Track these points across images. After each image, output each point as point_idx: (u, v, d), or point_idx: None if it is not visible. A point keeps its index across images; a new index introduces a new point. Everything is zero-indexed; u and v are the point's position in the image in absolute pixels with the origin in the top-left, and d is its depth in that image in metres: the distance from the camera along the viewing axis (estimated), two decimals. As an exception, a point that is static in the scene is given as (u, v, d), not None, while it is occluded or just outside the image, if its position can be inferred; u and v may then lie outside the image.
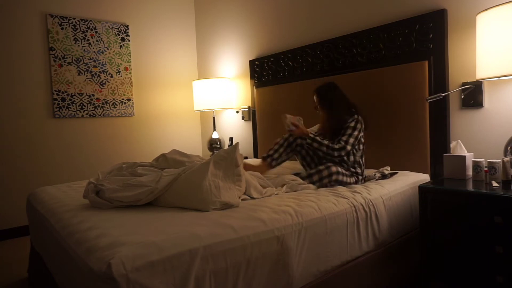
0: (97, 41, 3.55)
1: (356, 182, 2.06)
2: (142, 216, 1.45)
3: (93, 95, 3.53)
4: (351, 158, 2.10)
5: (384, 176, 2.15)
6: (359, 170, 2.10)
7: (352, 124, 2.08)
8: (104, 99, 3.60)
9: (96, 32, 3.54)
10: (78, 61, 3.44)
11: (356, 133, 2.05)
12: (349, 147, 2.01)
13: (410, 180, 2.08)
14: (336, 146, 2.00)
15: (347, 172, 2.04)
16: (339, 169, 2.00)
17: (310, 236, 1.48)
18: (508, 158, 1.66)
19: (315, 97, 2.24)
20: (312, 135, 2.05)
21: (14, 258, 2.69)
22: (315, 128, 2.36)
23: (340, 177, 1.99)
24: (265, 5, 3.38)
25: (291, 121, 2.08)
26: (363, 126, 2.13)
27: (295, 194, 1.80)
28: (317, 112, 2.27)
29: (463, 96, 2.11)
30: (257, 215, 1.42)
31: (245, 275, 1.27)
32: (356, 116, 2.12)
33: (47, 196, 1.97)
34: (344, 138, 2.03)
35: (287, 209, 1.50)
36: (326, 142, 2.02)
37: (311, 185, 1.93)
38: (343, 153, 2.01)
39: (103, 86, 3.59)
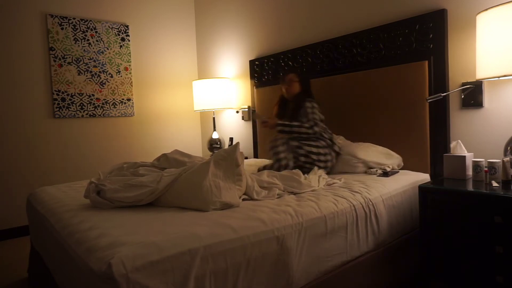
0: (97, 41, 3.55)
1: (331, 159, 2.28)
2: (142, 216, 1.45)
3: (93, 95, 3.53)
4: (325, 135, 2.33)
5: (385, 173, 2.15)
6: (336, 148, 2.32)
7: (312, 104, 2.33)
8: (104, 99, 3.60)
9: (96, 32, 3.54)
10: (78, 61, 3.44)
11: (316, 113, 2.30)
12: (313, 124, 2.26)
13: (410, 179, 2.08)
14: (307, 125, 2.24)
15: (321, 151, 2.25)
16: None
17: (310, 236, 1.48)
18: (508, 158, 1.66)
19: (292, 75, 2.49)
20: (280, 122, 2.31)
21: (14, 258, 2.69)
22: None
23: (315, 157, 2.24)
24: (265, 5, 3.38)
25: (261, 117, 2.43)
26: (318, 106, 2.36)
27: (295, 194, 1.80)
28: (285, 86, 2.49)
29: (463, 96, 2.11)
30: (257, 215, 1.42)
31: (245, 275, 1.27)
32: (310, 99, 2.38)
33: (47, 196, 1.97)
34: (314, 117, 2.27)
35: (287, 209, 1.50)
36: (295, 122, 2.25)
37: (280, 185, 1.87)
38: (316, 129, 2.26)
39: (103, 86, 3.59)
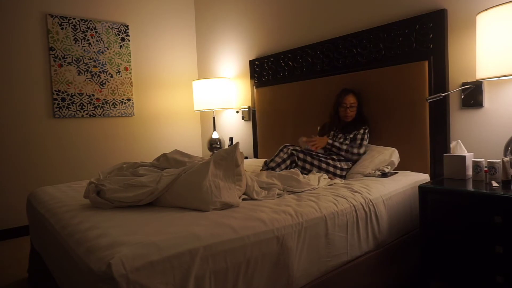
0: (97, 41, 3.55)
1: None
2: (142, 216, 1.45)
3: (93, 95, 3.53)
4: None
5: (384, 174, 2.15)
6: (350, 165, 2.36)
7: (366, 131, 2.39)
8: (104, 99, 3.60)
9: (96, 32, 3.54)
10: (78, 61, 3.44)
11: (367, 140, 2.39)
12: (362, 151, 2.34)
13: (410, 180, 2.08)
14: (355, 151, 2.31)
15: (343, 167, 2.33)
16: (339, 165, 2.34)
17: (310, 236, 1.48)
18: (508, 158, 1.66)
19: (352, 97, 2.42)
20: (331, 141, 2.36)
21: (14, 258, 2.69)
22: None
23: (339, 172, 2.30)
24: (265, 5, 3.38)
25: (306, 142, 2.32)
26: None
27: (295, 194, 1.80)
28: (347, 110, 2.42)
29: (463, 96, 2.11)
30: (257, 215, 1.42)
31: (245, 275, 1.27)
32: (366, 126, 2.43)
33: (47, 196, 1.97)
34: (364, 143, 2.36)
35: (287, 209, 1.50)
36: (344, 146, 2.34)
37: (280, 185, 1.88)
38: (361, 156, 2.33)
39: (103, 86, 3.59)
